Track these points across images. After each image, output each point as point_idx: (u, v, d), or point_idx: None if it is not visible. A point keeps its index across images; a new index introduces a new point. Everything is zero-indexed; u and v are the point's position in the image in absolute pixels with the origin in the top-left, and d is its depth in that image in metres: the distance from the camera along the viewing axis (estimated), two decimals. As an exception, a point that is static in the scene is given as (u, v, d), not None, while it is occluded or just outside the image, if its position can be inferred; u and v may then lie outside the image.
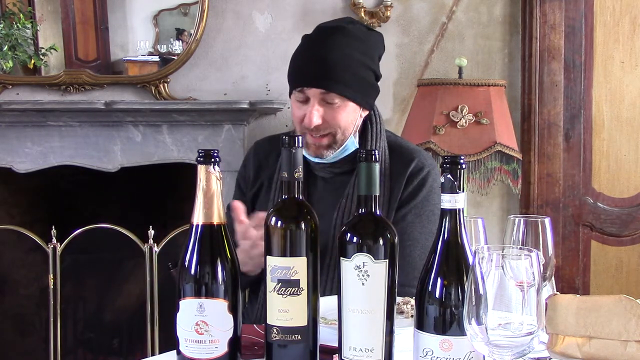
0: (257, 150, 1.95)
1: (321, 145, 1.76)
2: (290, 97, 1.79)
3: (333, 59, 1.69)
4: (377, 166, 1.12)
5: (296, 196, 1.16)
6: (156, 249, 2.88)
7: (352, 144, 1.78)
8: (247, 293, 1.89)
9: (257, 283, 1.71)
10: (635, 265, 3.14)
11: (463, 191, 1.06)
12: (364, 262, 1.08)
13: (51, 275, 2.88)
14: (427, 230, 1.76)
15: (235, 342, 1.14)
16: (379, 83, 1.82)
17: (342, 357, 1.11)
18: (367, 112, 1.80)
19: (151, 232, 2.86)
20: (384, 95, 3.06)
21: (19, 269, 3.32)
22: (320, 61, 1.70)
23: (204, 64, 3.03)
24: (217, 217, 1.15)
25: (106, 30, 3.05)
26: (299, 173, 1.15)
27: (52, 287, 2.88)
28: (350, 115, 1.74)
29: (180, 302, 1.14)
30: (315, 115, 1.70)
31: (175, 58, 3.01)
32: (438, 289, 1.04)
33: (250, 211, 1.82)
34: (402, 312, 1.42)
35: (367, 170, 1.11)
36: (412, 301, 1.42)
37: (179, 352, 1.15)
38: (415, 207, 1.77)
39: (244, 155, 2.11)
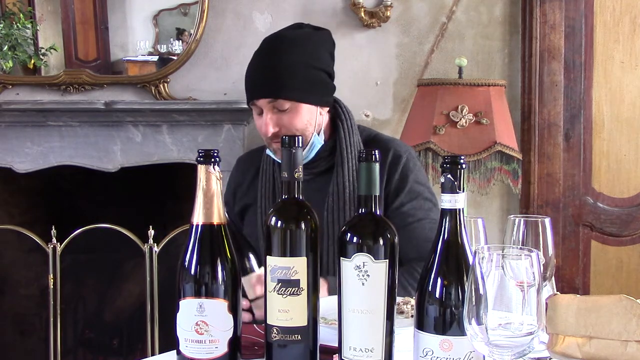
0: (237, 166, 2.04)
1: None
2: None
3: (275, 67, 1.76)
4: (377, 166, 1.12)
5: (296, 196, 1.16)
6: (156, 249, 2.87)
7: (317, 141, 1.83)
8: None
9: None
10: (635, 265, 3.14)
11: (463, 191, 1.06)
12: (364, 262, 1.08)
13: (51, 275, 2.88)
14: (428, 207, 1.82)
15: (235, 342, 1.14)
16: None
17: (342, 357, 1.11)
18: (326, 109, 1.85)
19: (151, 232, 2.86)
20: (384, 95, 3.09)
21: (19, 269, 3.32)
22: (263, 72, 1.78)
23: (203, 64, 3.02)
24: (217, 217, 1.15)
25: (106, 30, 3.05)
26: (299, 173, 1.16)
27: (52, 287, 2.88)
28: (306, 116, 1.78)
29: (180, 302, 1.14)
30: (270, 124, 1.76)
31: (175, 58, 3.01)
32: (438, 289, 1.04)
33: (240, 221, 1.93)
34: (402, 312, 1.42)
35: (367, 170, 1.11)
36: (412, 301, 1.42)
37: (179, 352, 1.15)
38: (409, 192, 1.82)
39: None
